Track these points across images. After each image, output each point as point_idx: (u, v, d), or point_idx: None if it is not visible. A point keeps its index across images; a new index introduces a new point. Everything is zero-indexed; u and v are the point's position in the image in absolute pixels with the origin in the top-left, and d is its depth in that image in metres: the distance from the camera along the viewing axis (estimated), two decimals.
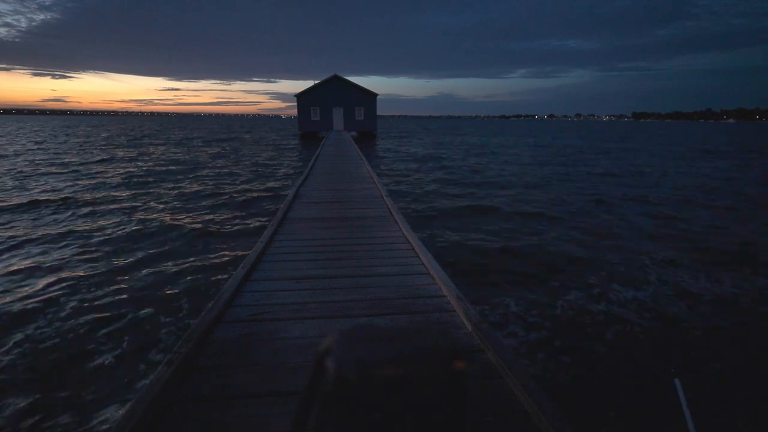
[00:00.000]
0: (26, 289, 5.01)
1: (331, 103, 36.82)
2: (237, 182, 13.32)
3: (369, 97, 37.49)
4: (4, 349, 3.77)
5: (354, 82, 37.04)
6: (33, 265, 5.80)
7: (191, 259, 6.09)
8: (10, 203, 9.63)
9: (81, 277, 5.38)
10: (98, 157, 20.13)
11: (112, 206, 9.60)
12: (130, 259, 6.05)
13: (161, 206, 9.71)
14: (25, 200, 9.94)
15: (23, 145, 27.74)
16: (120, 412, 2.89)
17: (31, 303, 4.63)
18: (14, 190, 11.34)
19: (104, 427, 2.83)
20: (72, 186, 12.23)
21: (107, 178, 13.83)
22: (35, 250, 6.45)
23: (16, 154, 21.02)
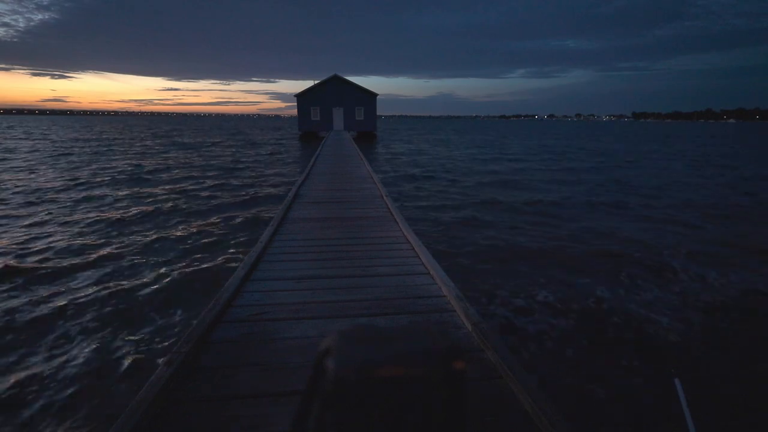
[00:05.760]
0: None
1: (331, 103, 36.82)
2: None
3: (369, 97, 37.49)
4: None
5: (354, 82, 37.08)
6: None
7: None
8: None
9: None
10: None
11: None
12: None
13: None
14: None
15: None
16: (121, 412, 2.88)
17: None
18: None
19: (105, 427, 2.83)
20: None
21: None
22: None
23: None
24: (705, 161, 21.85)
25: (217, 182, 13.09)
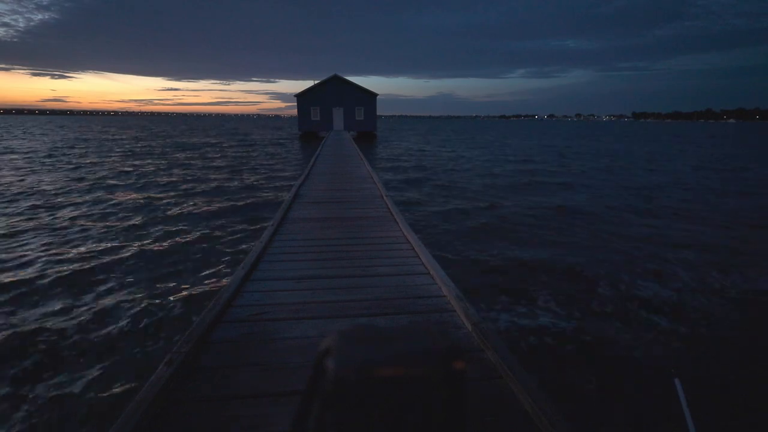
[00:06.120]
0: None
1: (331, 103, 36.83)
2: None
3: (369, 97, 37.50)
4: None
5: (354, 82, 37.09)
6: None
7: None
8: None
9: None
10: None
11: None
12: None
13: None
14: None
15: None
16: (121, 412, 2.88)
17: None
18: None
19: (104, 427, 2.83)
20: None
21: None
22: None
23: None
24: (705, 161, 21.85)
25: (218, 184, 13.08)
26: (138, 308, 4.48)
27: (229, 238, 7.20)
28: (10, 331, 3.99)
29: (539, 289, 5.09)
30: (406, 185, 13.00)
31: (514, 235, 7.53)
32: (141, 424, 1.69)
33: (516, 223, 8.41)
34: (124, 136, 40.20)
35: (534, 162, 20.49)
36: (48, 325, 4.13)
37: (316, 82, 36.79)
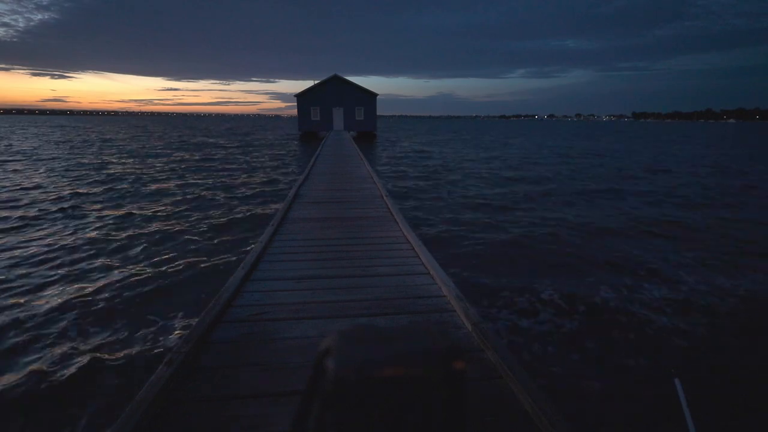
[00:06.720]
0: None
1: (331, 103, 36.84)
2: None
3: (369, 97, 37.50)
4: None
5: (354, 82, 37.09)
6: None
7: None
8: None
9: None
10: None
11: None
12: None
13: None
14: None
15: None
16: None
17: None
18: None
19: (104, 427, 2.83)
20: None
21: None
22: None
23: None
24: (704, 161, 21.86)
25: (219, 187, 13.00)
26: None
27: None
28: None
29: (539, 288, 5.09)
30: (420, 193, 12.38)
31: (525, 232, 7.53)
32: (141, 424, 1.69)
33: (529, 224, 8.41)
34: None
35: (541, 165, 20.44)
36: None
37: (316, 82, 36.79)
